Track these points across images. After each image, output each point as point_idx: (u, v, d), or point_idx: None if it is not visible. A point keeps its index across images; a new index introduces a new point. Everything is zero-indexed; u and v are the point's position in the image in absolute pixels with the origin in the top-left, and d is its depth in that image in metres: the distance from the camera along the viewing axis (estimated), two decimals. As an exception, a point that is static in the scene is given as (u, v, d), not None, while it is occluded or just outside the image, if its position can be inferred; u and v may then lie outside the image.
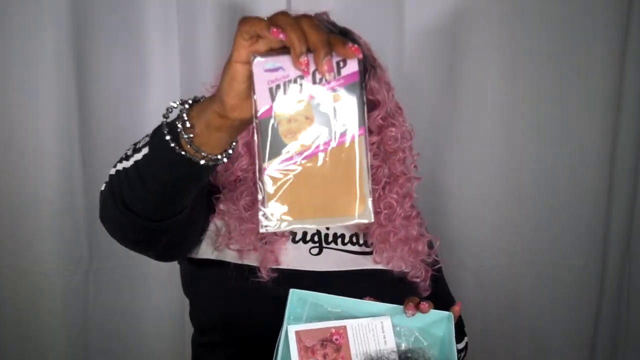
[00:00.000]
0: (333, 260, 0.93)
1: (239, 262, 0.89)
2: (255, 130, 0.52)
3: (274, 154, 0.52)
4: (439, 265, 1.01)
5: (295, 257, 0.91)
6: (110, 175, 0.73)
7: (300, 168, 0.52)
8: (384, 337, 0.77)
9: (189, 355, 1.01)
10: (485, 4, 1.23)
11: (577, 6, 1.22)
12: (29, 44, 1.14)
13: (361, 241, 0.97)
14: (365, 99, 0.54)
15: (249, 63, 0.51)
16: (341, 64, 0.51)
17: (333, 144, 0.52)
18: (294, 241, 0.94)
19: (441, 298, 1.03)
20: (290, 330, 0.74)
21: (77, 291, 1.26)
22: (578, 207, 1.31)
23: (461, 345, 0.99)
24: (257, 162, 0.52)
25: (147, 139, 0.68)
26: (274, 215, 0.52)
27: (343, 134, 0.53)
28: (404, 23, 1.24)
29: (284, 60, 0.51)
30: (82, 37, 1.17)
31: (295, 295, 0.77)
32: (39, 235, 1.22)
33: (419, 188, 1.04)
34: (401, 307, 0.77)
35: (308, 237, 0.94)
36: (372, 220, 0.55)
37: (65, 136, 1.19)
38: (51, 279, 1.23)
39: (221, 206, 0.93)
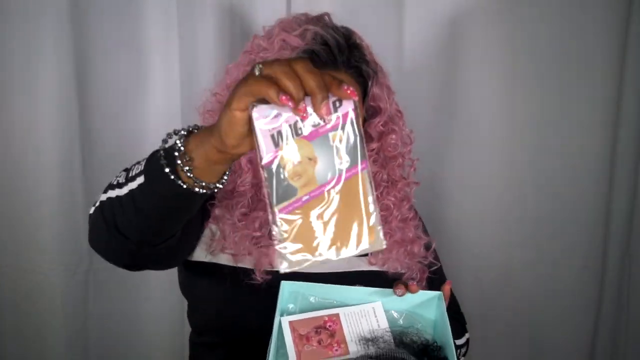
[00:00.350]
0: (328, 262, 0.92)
1: (233, 264, 0.89)
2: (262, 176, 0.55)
3: (283, 197, 0.55)
4: (436, 267, 1.01)
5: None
6: (102, 202, 0.72)
7: (309, 207, 0.55)
8: (377, 321, 0.77)
9: (188, 355, 1.01)
10: (485, 4, 1.23)
11: (577, 6, 1.22)
12: (29, 44, 1.14)
13: None
14: (362, 133, 0.56)
15: (247, 109, 0.54)
16: (337, 103, 0.54)
17: (338, 182, 0.55)
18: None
19: None
20: (284, 320, 0.75)
21: (77, 291, 1.27)
22: (578, 207, 1.31)
23: (462, 341, 0.99)
24: (268, 207, 0.55)
25: (141, 167, 0.68)
26: (292, 255, 0.56)
27: (347, 170, 0.55)
28: (404, 23, 1.24)
29: (285, 108, 0.53)
30: (82, 37, 1.17)
31: (287, 287, 0.77)
32: (39, 235, 1.22)
33: (418, 188, 1.04)
34: (391, 290, 0.78)
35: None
36: (384, 247, 0.57)
37: (65, 136, 1.19)
38: (51, 279, 1.23)
39: (216, 211, 0.93)
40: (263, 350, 0.73)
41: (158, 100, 1.22)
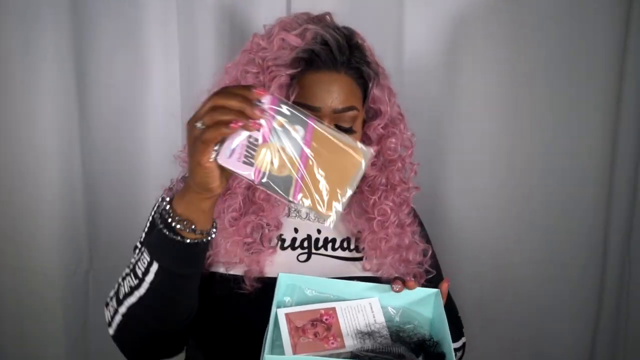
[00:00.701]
0: (320, 268, 0.91)
1: (225, 272, 0.89)
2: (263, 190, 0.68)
3: (287, 187, 0.67)
4: (432, 275, 0.99)
5: (282, 265, 0.90)
6: (124, 315, 0.83)
7: (308, 177, 0.67)
8: (374, 316, 0.77)
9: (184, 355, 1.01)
10: (485, 4, 1.23)
11: (578, 6, 1.22)
12: (29, 44, 1.14)
13: (352, 246, 0.96)
14: (290, 103, 0.68)
15: (213, 159, 0.65)
16: (261, 101, 0.65)
17: (308, 144, 0.66)
18: (283, 248, 0.92)
19: None
20: (280, 312, 0.75)
21: (77, 291, 1.27)
22: (578, 207, 1.31)
23: (458, 345, 0.98)
24: (285, 204, 0.74)
25: (147, 258, 0.78)
26: (329, 211, 0.68)
27: (306, 133, 0.66)
28: (405, 23, 1.24)
29: (233, 137, 0.65)
30: (82, 37, 1.17)
31: (284, 280, 0.78)
32: (39, 235, 1.22)
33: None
34: (388, 286, 0.78)
35: (297, 244, 0.93)
36: (372, 152, 0.70)
37: (65, 136, 1.19)
38: (51, 279, 1.23)
39: None
40: (255, 355, 0.72)
41: (158, 100, 1.22)
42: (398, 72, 1.25)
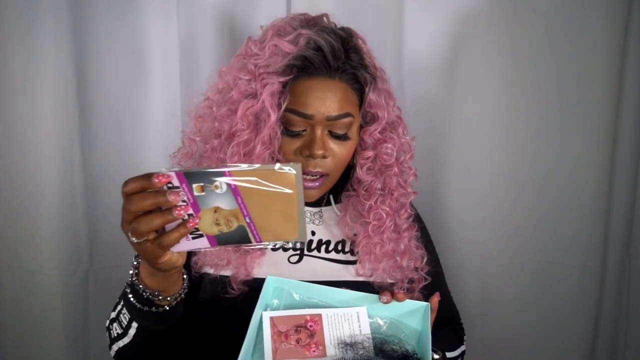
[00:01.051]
0: (311, 270, 0.91)
1: (214, 273, 0.89)
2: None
3: (246, 237, 0.66)
4: (427, 282, 0.98)
5: (271, 266, 0.89)
6: (116, 352, 0.86)
7: (257, 217, 0.65)
8: (360, 326, 0.77)
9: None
10: (485, 5, 1.23)
11: (578, 8, 1.22)
12: (29, 44, 1.14)
13: (346, 249, 0.95)
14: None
15: (166, 255, 0.66)
16: (170, 182, 0.61)
17: (237, 194, 0.64)
18: (273, 249, 0.92)
19: (439, 311, 1.01)
20: (265, 315, 0.75)
21: (77, 291, 1.27)
22: (578, 207, 1.31)
23: (454, 354, 0.96)
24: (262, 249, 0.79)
25: (127, 316, 0.82)
26: (299, 232, 0.66)
27: (230, 185, 0.63)
28: (404, 23, 1.24)
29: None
30: (82, 37, 1.17)
31: (271, 283, 0.77)
32: (39, 235, 1.22)
33: (419, 189, 1.03)
34: (377, 296, 0.78)
35: (289, 244, 0.92)
36: (298, 166, 0.64)
37: (65, 136, 1.19)
38: (51, 279, 1.23)
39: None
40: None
41: (158, 100, 1.22)
42: (397, 72, 1.25)
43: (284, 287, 0.78)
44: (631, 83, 1.22)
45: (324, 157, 0.88)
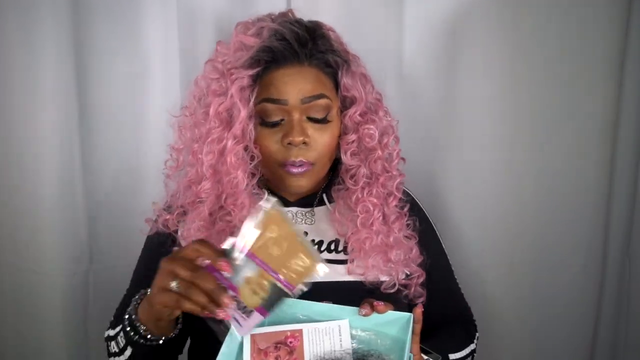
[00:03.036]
0: None
1: None
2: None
3: (282, 291, 0.72)
4: (423, 279, 0.96)
5: None
6: None
7: (281, 269, 0.72)
8: (341, 341, 0.75)
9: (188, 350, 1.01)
10: (485, 5, 1.23)
11: (577, 6, 1.22)
12: (29, 44, 1.14)
13: (340, 248, 0.94)
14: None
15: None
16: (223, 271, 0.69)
17: (253, 255, 0.71)
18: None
19: (445, 307, 1.00)
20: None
21: (77, 291, 1.26)
22: (578, 207, 1.31)
23: (460, 355, 0.94)
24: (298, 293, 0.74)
25: (124, 340, 0.84)
26: (317, 264, 0.73)
27: (246, 252, 0.71)
28: (404, 23, 1.24)
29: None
30: (82, 37, 1.17)
31: None
32: (39, 235, 1.22)
33: (419, 189, 1.03)
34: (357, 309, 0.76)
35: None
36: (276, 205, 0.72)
37: (65, 136, 1.19)
38: (51, 279, 1.23)
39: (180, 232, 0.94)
40: None
41: (158, 100, 1.22)
42: (398, 72, 1.25)
43: None
44: (631, 83, 1.22)
45: (305, 143, 0.87)
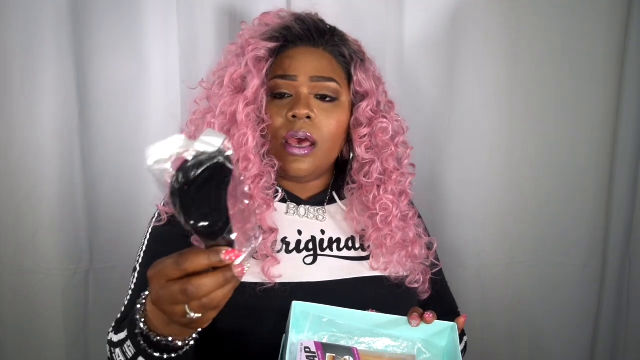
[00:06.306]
0: (328, 269, 0.90)
1: None
2: None
3: None
4: (438, 268, 1.00)
5: (289, 269, 0.88)
6: None
7: None
8: None
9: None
10: (485, 4, 1.23)
11: (578, 6, 1.22)
12: (29, 44, 1.14)
13: (357, 245, 0.95)
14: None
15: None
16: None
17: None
18: (288, 251, 0.91)
19: (442, 301, 1.01)
20: (296, 339, 0.74)
21: (77, 291, 1.26)
22: (578, 207, 1.31)
23: (460, 347, 0.98)
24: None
25: (133, 351, 0.72)
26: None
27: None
28: (404, 22, 1.24)
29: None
30: (82, 37, 1.17)
31: (298, 307, 0.76)
32: (39, 235, 1.22)
33: (419, 188, 1.03)
34: (405, 318, 0.77)
35: (302, 246, 0.92)
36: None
37: (65, 136, 1.19)
38: (51, 279, 1.23)
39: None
40: None
41: (158, 100, 1.22)
42: (398, 71, 1.25)
43: (310, 311, 0.77)
44: (631, 83, 1.22)
45: (309, 117, 0.88)
